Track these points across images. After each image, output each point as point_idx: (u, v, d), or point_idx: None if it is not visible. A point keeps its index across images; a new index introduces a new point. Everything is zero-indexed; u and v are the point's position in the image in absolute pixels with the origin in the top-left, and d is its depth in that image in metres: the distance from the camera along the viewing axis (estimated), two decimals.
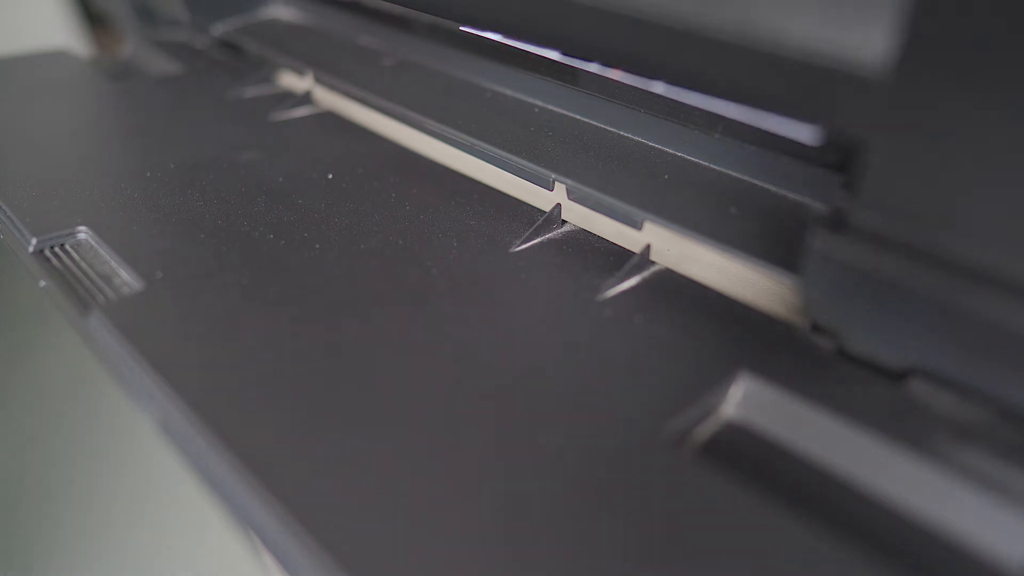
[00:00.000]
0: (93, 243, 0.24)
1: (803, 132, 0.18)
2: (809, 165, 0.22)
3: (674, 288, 0.22)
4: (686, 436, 0.17)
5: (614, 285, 0.22)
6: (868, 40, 0.15)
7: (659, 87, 0.21)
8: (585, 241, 0.24)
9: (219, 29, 0.40)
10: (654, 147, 0.26)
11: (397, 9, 0.32)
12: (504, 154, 0.26)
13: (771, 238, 0.21)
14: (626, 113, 0.26)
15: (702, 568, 0.14)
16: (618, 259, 0.23)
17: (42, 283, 0.23)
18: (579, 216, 0.25)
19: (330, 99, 0.35)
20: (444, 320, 0.21)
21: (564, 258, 0.23)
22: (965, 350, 0.16)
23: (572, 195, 0.25)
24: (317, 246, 0.24)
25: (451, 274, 0.22)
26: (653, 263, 0.23)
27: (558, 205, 0.25)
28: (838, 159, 0.20)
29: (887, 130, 0.16)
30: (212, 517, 0.66)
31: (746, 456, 0.17)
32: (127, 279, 0.23)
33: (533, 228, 0.24)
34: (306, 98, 0.35)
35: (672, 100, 0.24)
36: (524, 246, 0.24)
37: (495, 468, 0.16)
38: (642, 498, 0.15)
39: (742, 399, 0.18)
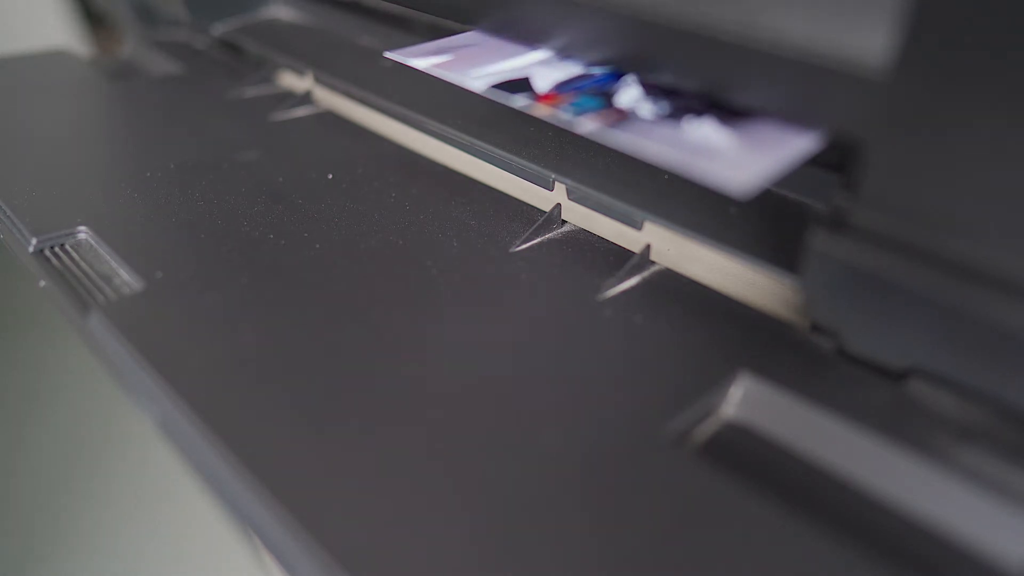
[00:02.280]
0: (93, 243, 0.24)
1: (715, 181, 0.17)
2: (809, 165, 0.22)
3: (674, 288, 0.22)
4: (686, 436, 0.17)
5: (614, 285, 0.22)
6: (868, 40, 0.15)
7: (585, 126, 0.19)
8: (585, 241, 0.24)
9: (219, 29, 0.40)
10: None
11: (397, 9, 0.32)
12: (504, 154, 0.26)
13: (771, 238, 0.21)
14: None
15: (702, 568, 0.14)
16: (618, 259, 0.23)
17: (42, 283, 0.23)
18: (579, 216, 0.25)
19: (330, 99, 0.35)
20: (444, 320, 0.21)
21: (564, 258, 0.23)
22: (965, 350, 0.16)
23: (572, 195, 0.25)
24: (317, 246, 0.24)
25: (451, 274, 0.22)
26: (653, 263, 0.23)
27: (558, 205, 0.25)
28: (838, 159, 0.20)
29: (887, 130, 0.16)
30: (212, 517, 0.66)
31: (746, 456, 0.17)
32: (127, 279, 0.23)
33: (533, 228, 0.24)
34: (306, 98, 0.35)
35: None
36: (524, 246, 0.24)
37: (495, 468, 0.16)
38: (642, 498, 0.15)
39: (742, 399, 0.18)
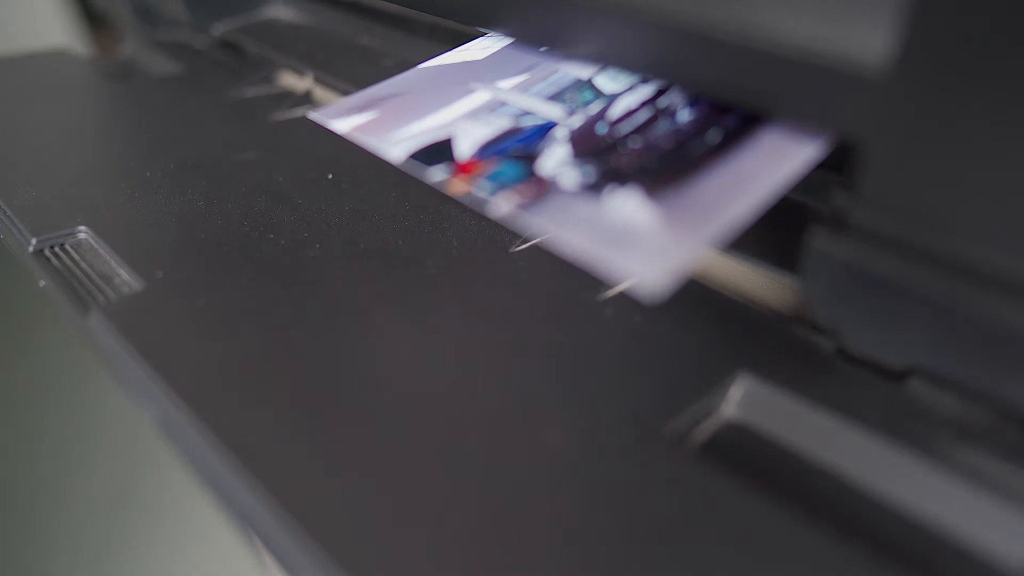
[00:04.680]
0: (93, 243, 0.24)
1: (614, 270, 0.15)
2: None
3: (674, 288, 0.22)
4: (686, 436, 0.17)
5: (614, 285, 0.22)
6: (868, 40, 0.15)
7: (499, 208, 0.18)
8: None
9: (219, 29, 0.40)
10: None
11: (397, 9, 0.32)
12: None
13: (771, 238, 0.21)
14: None
15: (702, 568, 0.14)
16: None
17: (42, 283, 0.23)
18: None
19: (330, 99, 0.35)
20: (444, 320, 0.21)
21: (564, 258, 0.23)
22: (965, 350, 0.16)
23: None
24: (317, 246, 0.24)
25: (451, 274, 0.22)
26: None
27: None
28: (838, 159, 0.20)
29: (887, 130, 0.16)
30: (212, 517, 0.66)
31: (746, 456, 0.17)
32: (127, 279, 0.23)
33: None
34: (306, 98, 0.35)
35: None
36: (524, 246, 0.24)
37: (495, 468, 0.16)
38: (642, 498, 0.15)
39: (742, 399, 0.18)
